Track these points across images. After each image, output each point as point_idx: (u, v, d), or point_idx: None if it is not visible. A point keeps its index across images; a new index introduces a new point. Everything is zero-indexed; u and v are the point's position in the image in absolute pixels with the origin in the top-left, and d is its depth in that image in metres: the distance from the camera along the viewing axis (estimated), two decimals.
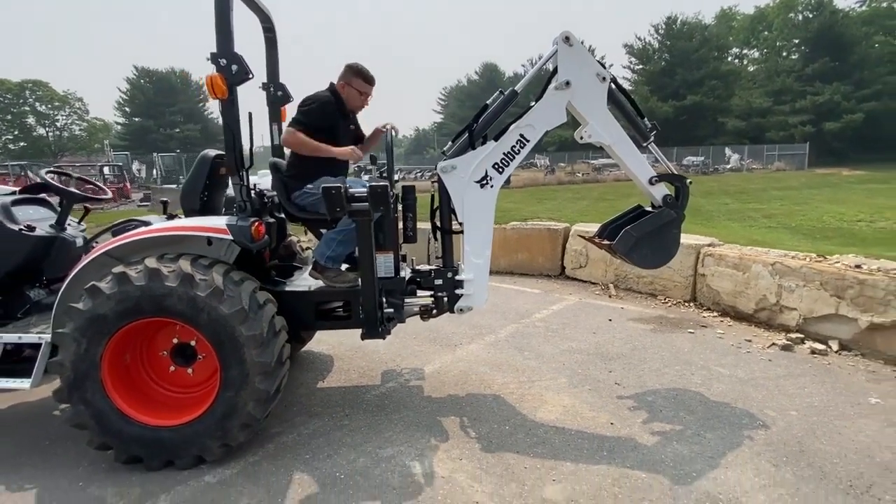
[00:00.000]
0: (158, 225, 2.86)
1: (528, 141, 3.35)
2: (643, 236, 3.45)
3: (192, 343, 2.85)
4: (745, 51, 55.40)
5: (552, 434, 2.99)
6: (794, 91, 40.67)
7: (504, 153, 3.32)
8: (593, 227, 6.65)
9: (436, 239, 3.54)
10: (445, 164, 3.30)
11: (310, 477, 2.63)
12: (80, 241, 3.41)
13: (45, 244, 3.18)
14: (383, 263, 3.24)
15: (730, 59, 52.77)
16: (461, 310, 3.43)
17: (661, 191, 3.51)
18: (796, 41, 45.91)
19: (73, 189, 3.37)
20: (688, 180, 3.56)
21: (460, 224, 3.40)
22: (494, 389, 3.60)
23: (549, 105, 3.31)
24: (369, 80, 3.42)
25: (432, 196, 3.49)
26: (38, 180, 3.51)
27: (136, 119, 62.17)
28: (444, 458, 2.77)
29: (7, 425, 3.25)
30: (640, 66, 51.38)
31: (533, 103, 3.38)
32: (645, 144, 3.57)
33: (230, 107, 2.78)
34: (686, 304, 5.54)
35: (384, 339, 3.14)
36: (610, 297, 5.97)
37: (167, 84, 63.03)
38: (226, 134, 2.81)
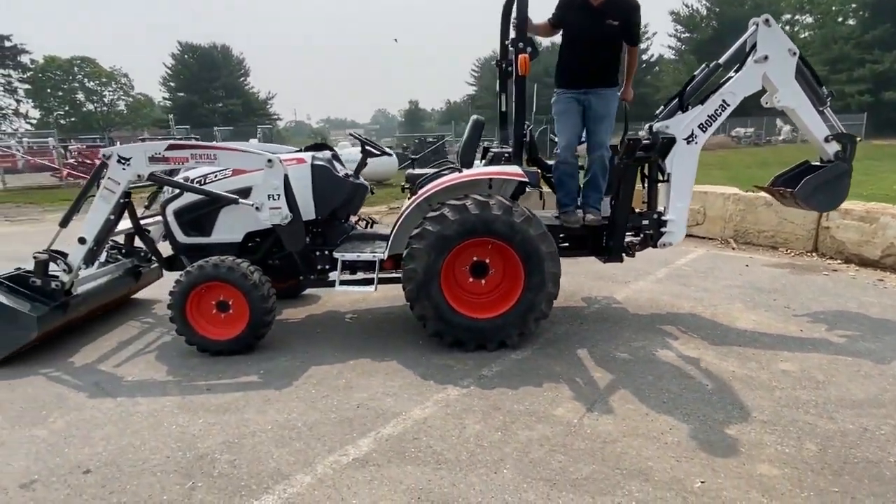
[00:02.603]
0: (468, 172, 3.75)
1: (728, 105, 4.12)
2: (820, 185, 4.22)
3: (486, 261, 3.78)
4: (797, 17, 53.35)
5: (759, 336, 3.85)
6: (852, 59, 39.37)
7: (708, 115, 4.10)
8: (704, 188, 7.40)
9: (643, 186, 4.36)
10: (660, 125, 4.10)
11: (592, 356, 3.57)
12: (369, 188, 4.36)
13: (354, 188, 4.13)
14: None
15: (782, 26, 50.98)
16: (663, 244, 4.28)
17: (833, 147, 4.24)
18: (853, 6, 44.10)
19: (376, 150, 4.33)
20: (857, 138, 4.29)
21: (664, 175, 4.21)
22: (686, 310, 4.47)
23: (749, 75, 4.07)
24: None
25: None
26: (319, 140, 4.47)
27: (181, 94, 63.75)
28: (685, 349, 3.66)
29: (321, 333, 4.28)
30: (687, 35, 50.23)
31: (732, 74, 4.15)
32: (821, 109, 4.28)
33: (523, 81, 3.64)
34: (808, 254, 6.26)
35: (622, 261, 4.02)
36: (732, 249, 6.72)
37: (209, 59, 64.23)
38: (517, 103, 3.68)
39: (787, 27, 52.37)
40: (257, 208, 3.68)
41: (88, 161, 20.79)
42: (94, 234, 3.73)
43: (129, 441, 2.67)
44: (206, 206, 3.92)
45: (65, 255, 3.79)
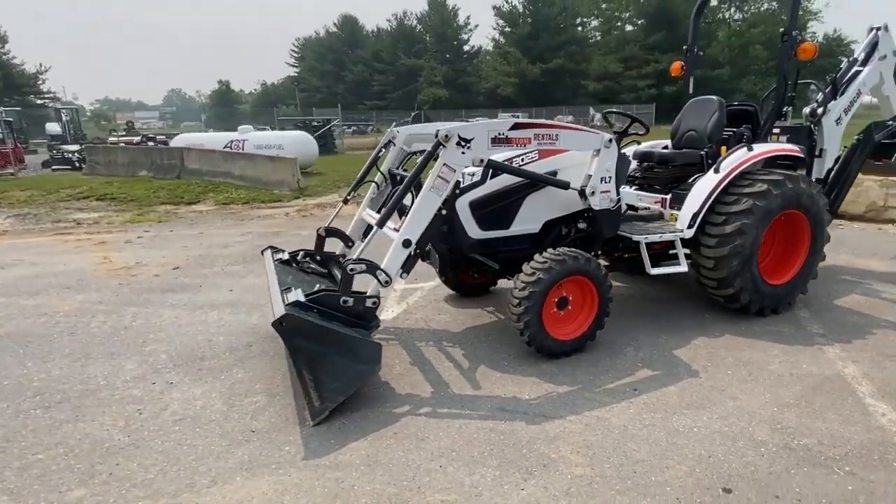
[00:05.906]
0: (760, 148, 3.93)
1: (861, 94, 5.08)
2: None
3: None
4: (585, 19, 62.33)
5: None
6: (640, 58, 47.91)
7: (850, 102, 5.01)
8: None
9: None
10: (821, 109, 4.87)
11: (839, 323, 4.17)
12: None
13: (626, 163, 3.98)
14: None
15: (577, 25, 59.06)
16: None
17: None
18: (627, 15, 53.61)
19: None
20: None
21: (819, 151, 4.96)
22: None
23: (874, 71, 5.07)
24: None
25: None
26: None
27: None
28: None
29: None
30: (509, 29, 55.03)
31: (859, 68, 5.11)
32: None
33: (790, 66, 4.02)
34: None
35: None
36: None
37: None
38: (781, 86, 4.05)
39: (580, 28, 61.07)
40: (591, 192, 3.40)
41: None
42: (420, 234, 3.01)
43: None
44: (511, 195, 3.45)
45: (377, 265, 2.99)
